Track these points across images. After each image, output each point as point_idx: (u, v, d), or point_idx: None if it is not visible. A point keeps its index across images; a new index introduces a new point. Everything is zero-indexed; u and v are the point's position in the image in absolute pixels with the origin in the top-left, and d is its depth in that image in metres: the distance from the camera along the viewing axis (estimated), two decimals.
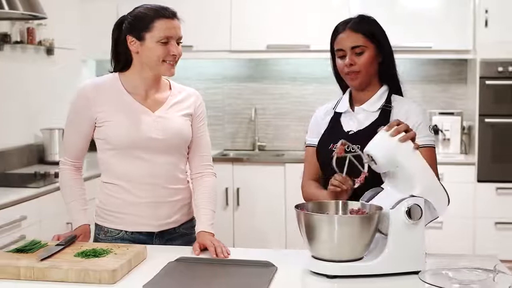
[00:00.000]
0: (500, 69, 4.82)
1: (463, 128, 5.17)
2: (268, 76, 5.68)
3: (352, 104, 2.47)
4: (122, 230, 2.40)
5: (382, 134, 2.04)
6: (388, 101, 2.40)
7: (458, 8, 5.00)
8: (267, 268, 2.04)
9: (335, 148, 2.35)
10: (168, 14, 2.34)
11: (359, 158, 2.13)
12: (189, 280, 1.94)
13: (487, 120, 4.85)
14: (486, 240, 4.86)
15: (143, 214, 2.39)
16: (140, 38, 2.33)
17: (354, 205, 2.10)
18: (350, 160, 2.14)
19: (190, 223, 2.51)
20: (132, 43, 2.35)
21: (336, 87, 5.72)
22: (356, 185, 2.11)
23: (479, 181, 4.87)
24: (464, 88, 5.39)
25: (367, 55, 2.34)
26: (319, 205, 2.11)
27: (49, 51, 4.79)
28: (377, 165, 2.02)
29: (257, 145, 5.67)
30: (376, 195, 2.12)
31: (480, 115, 4.89)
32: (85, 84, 2.41)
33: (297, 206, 2.05)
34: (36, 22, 4.48)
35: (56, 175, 4.05)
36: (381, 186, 2.14)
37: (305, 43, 5.21)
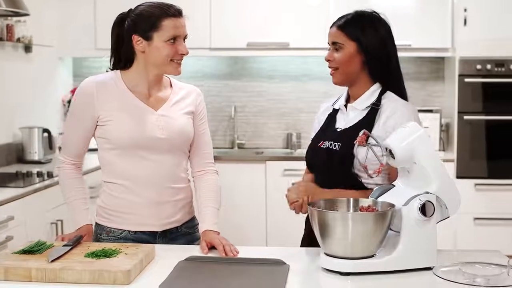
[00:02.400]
0: (479, 67, 4.89)
1: (441, 125, 5.22)
2: (247, 74, 5.66)
3: (348, 100, 2.46)
4: (125, 230, 2.37)
5: (402, 130, 2.05)
6: (379, 99, 2.38)
7: (437, 7, 5.06)
8: (279, 266, 2.03)
9: (323, 145, 2.38)
10: (175, 12, 2.31)
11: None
12: (205, 279, 1.92)
13: (466, 117, 4.92)
14: (466, 236, 4.92)
15: (146, 214, 2.36)
16: (148, 37, 2.29)
17: (364, 202, 2.11)
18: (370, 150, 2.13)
19: (191, 222, 2.50)
20: (138, 42, 2.31)
21: (314, 85, 5.79)
22: (374, 176, 2.11)
23: (458, 177, 4.92)
24: (442, 85, 5.46)
25: (344, 52, 2.34)
26: (330, 202, 2.11)
27: (27, 48, 4.69)
28: (395, 160, 2.03)
29: (236, 142, 5.66)
30: (386, 192, 2.13)
31: (459, 112, 4.95)
32: (87, 81, 2.37)
33: (309, 204, 2.05)
34: (15, 19, 4.39)
35: (39, 174, 3.99)
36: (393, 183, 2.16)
37: (284, 41, 5.21)
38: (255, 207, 5.11)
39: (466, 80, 4.90)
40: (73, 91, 5.47)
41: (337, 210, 2.09)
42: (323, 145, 2.38)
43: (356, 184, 2.28)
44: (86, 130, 2.36)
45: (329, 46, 2.40)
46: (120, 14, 2.39)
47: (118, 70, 2.39)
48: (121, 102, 2.33)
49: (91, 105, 2.32)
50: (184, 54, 2.34)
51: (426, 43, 5.08)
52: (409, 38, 5.01)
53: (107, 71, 2.43)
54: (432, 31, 5.07)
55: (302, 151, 5.43)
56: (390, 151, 2.05)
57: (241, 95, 5.67)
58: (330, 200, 2.12)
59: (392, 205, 2.01)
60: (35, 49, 4.77)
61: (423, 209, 1.97)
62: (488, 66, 4.88)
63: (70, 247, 2.07)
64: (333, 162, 2.31)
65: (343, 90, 2.50)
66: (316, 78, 5.56)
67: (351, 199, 2.12)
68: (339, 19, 2.41)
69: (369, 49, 2.34)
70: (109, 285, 1.86)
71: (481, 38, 4.87)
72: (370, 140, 2.12)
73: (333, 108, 2.49)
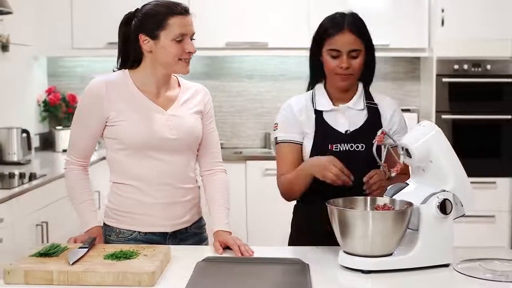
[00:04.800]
0: (456, 67, 4.97)
1: None
2: (224, 74, 5.65)
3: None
4: (135, 231, 2.34)
5: (419, 129, 2.08)
6: (369, 97, 2.44)
7: (414, 7, 5.13)
8: (299, 265, 2.03)
9: (335, 148, 2.37)
10: (181, 10, 2.29)
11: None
12: (231, 279, 1.91)
13: (443, 116, 4.99)
14: None
15: (157, 215, 2.33)
16: (154, 36, 2.27)
17: (380, 200, 2.13)
18: (388, 149, 2.15)
19: (199, 222, 2.48)
20: (145, 42, 2.28)
21: (292, 85, 5.78)
22: (393, 175, 2.13)
23: None
24: (418, 85, 5.54)
25: (361, 58, 2.36)
26: (347, 201, 2.11)
27: (4, 47, 4.59)
28: (411, 159, 2.05)
29: None
30: (400, 190, 2.15)
31: (436, 111, 5.03)
32: (97, 81, 2.33)
33: (328, 202, 2.06)
34: None
35: (21, 175, 3.91)
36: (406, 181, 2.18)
37: (263, 41, 5.21)
38: (236, 207, 5.06)
39: (444, 80, 4.98)
40: (48, 91, 5.39)
41: (354, 209, 2.10)
42: (336, 148, 2.36)
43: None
44: (94, 131, 2.32)
45: (335, 53, 2.34)
46: (127, 14, 2.36)
47: (127, 70, 2.36)
48: (131, 102, 2.30)
49: (101, 105, 2.28)
50: (192, 53, 2.31)
51: (403, 43, 5.15)
52: (386, 38, 5.07)
53: (114, 71, 2.39)
54: (409, 31, 5.14)
55: None
56: (406, 150, 2.08)
57: (219, 94, 5.65)
58: (347, 199, 2.12)
59: (410, 204, 2.03)
60: (12, 48, 4.67)
61: (442, 207, 1.99)
62: (465, 66, 4.97)
63: (87, 249, 2.04)
64: (358, 163, 2.29)
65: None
66: (294, 77, 5.58)
67: (368, 198, 2.14)
68: (341, 21, 2.36)
69: (372, 53, 2.40)
70: (133, 287, 1.84)
71: (458, 38, 4.96)
72: (387, 139, 2.14)
73: (316, 109, 2.43)
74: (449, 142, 2.10)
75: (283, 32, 5.21)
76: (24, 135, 4.63)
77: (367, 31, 2.39)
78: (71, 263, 1.91)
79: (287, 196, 2.49)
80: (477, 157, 5.02)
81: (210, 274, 1.95)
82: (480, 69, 4.97)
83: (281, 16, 5.19)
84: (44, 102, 5.35)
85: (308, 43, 5.14)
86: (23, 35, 4.89)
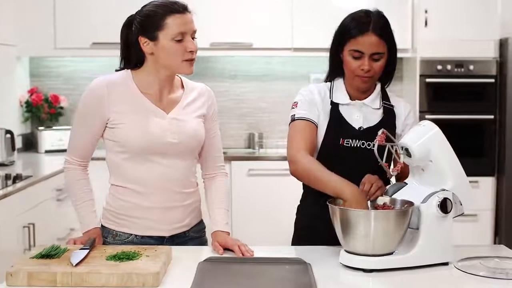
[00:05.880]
0: (439, 67, 5.02)
1: None
2: (208, 74, 5.63)
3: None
4: (132, 234, 2.31)
5: (419, 128, 2.10)
6: (386, 98, 2.44)
7: (398, 7, 5.15)
8: (301, 265, 2.04)
9: (346, 143, 2.35)
10: (179, 8, 2.25)
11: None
12: (235, 279, 1.91)
13: (427, 116, 5.02)
14: None
15: (155, 219, 2.31)
16: (153, 38, 2.23)
17: (379, 200, 2.15)
18: (389, 149, 2.15)
19: (199, 225, 2.46)
20: (145, 44, 2.25)
21: (277, 85, 5.77)
22: (394, 174, 2.14)
23: None
24: (401, 85, 5.57)
25: (383, 61, 2.30)
26: None
27: None
28: (411, 158, 2.07)
29: None
30: (399, 189, 2.17)
31: (420, 112, 5.07)
32: (98, 82, 2.29)
33: (330, 202, 2.07)
34: None
35: (7, 176, 3.87)
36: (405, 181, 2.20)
37: (248, 41, 5.22)
38: None
39: (427, 80, 5.03)
40: (30, 91, 5.33)
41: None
42: (347, 143, 2.34)
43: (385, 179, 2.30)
44: (95, 132, 2.30)
45: (357, 54, 2.28)
46: (129, 17, 2.32)
47: (129, 70, 2.32)
48: (132, 105, 2.27)
49: (102, 107, 2.26)
50: (193, 51, 2.26)
51: None
52: None
53: (116, 70, 2.36)
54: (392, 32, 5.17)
55: (265, 151, 5.50)
56: (406, 149, 2.09)
57: None
58: None
59: (410, 203, 2.05)
60: None
61: (442, 206, 2.02)
62: (448, 67, 5.02)
63: (89, 250, 2.03)
64: (368, 161, 2.27)
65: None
66: (279, 78, 5.59)
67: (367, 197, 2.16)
68: (366, 21, 2.29)
69: (393, 54, 2.36)
70: None
71: (441, 39, 5.00)
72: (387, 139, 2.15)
73: (332, 101, 2.40)
74: (448, 142, 2.12)
75: (267, 32, 5.21)
76: (8, 135, 4.58)
77: (391, 31, 2.34)
78: (74, 265, 1.90)
79: (296, 178, 2.37)
80: (460, 157, 5.02)
81: (214, 275, 1.95)
82: (463, 69, 5.02)
83: (265, 17, 5.20)
84: (27, 102, 5.29)
85: (291, 44, 5.19)
86: (6, 35, 4.83)
